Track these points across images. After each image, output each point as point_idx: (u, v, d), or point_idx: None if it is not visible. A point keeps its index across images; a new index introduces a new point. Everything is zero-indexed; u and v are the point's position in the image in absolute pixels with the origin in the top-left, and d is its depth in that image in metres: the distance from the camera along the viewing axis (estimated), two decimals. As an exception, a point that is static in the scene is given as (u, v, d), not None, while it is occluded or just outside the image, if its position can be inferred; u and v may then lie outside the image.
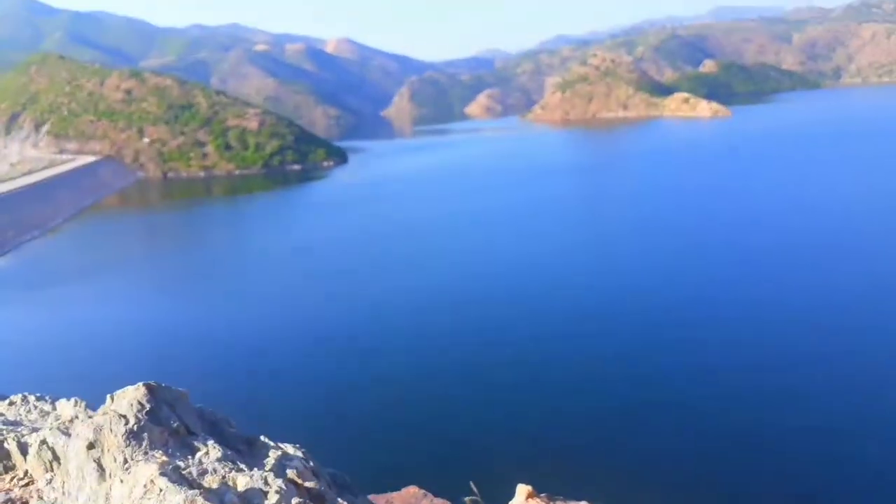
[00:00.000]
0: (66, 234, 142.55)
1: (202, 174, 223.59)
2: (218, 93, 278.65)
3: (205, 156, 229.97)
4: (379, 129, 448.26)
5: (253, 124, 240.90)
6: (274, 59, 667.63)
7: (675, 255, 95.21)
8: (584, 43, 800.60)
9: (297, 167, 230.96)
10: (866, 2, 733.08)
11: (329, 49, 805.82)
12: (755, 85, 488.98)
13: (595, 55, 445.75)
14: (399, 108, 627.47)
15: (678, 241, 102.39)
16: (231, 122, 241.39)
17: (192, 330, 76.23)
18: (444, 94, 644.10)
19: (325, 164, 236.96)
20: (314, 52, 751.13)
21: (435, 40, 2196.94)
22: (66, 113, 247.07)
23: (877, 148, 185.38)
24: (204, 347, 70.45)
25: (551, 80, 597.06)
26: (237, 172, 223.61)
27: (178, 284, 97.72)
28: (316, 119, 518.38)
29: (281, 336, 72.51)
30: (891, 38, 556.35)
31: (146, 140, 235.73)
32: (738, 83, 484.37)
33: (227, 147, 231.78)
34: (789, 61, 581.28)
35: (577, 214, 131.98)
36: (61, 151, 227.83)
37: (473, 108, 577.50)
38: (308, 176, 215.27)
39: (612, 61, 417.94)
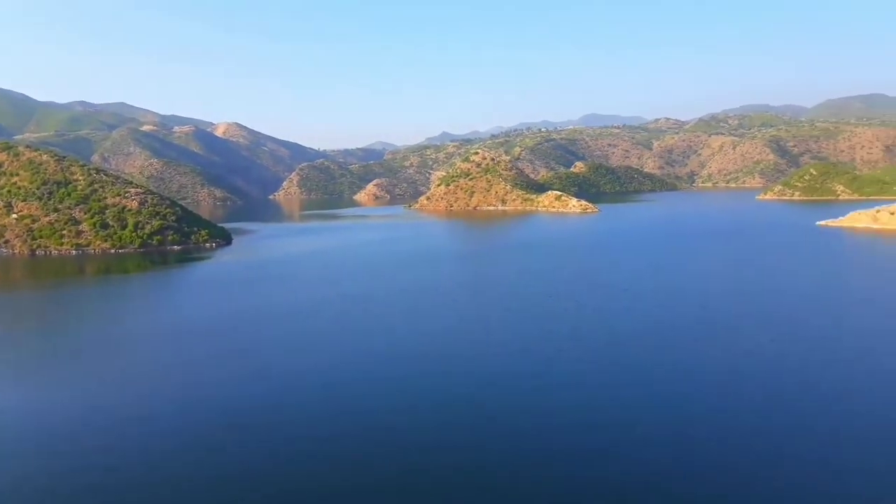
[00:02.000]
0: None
1: (74, 252, 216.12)
2: (98, 170, 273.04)
3: (79, 233, 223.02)
4: (267, 212, 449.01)
5: (133, 203, 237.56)
6: (161, 139, 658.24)
7: (542, 335, 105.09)
8: (467, 141, 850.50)
9: (177, 248, 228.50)
10: (715, 116, 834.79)
11: (219, 132, 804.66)
12: (620, 185, 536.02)
13: (477, 153, 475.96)
14: (288, 192, 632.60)
15: (548, 324, 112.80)
16: (110, 200, 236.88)
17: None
18: (333, 181, 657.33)
19: (208, 244, 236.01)
20: (203, 134, 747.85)
21: (327, 129, 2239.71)
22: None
23: (722, 244, 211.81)
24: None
25: (437, 174, 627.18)
26: (112, 251, 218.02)
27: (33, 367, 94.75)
28: (201, 200, 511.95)
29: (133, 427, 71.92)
30: (736, 149, 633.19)
31: (14, 216, 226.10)
32: (605, 183, 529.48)
33: (105, 226, 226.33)
34: (650, 165, 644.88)
35: (458, 297, 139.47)
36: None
37: (362, 196, 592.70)
38: (189, 256, 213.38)
39: (493, 159, 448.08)
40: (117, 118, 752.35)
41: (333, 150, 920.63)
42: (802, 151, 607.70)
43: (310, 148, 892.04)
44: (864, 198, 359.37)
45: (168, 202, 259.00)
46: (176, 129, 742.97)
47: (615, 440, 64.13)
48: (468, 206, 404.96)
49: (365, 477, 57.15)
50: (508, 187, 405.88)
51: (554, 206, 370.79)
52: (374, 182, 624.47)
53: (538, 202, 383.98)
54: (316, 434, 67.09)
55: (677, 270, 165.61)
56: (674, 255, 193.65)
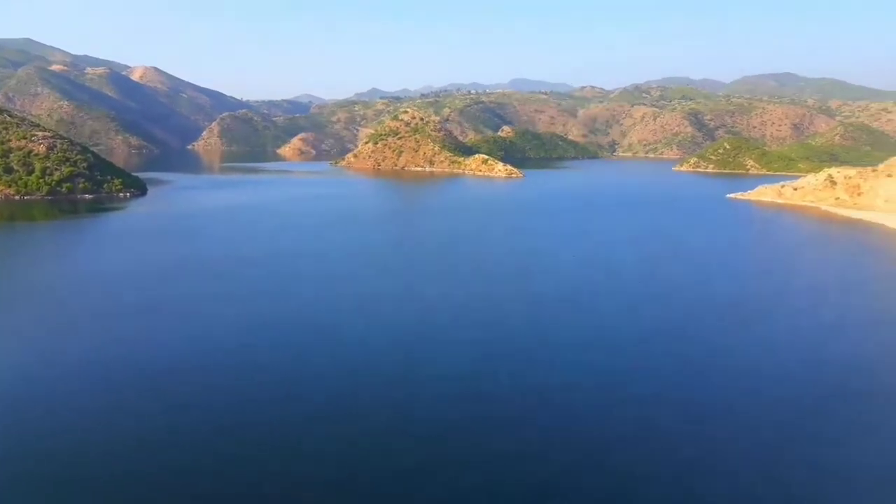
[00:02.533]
0: None
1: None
2: (1, 111, 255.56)
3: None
4: (185, 162, 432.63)
5: (41, 147, 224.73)
6: (72, 80, 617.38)
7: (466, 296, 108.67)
8: (396, 98, 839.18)
9: (89, 196, 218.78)
10: (638, 87, 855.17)
11: (135, 77, 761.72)
12: (545, 151, 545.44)
13: (406, 112, 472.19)
14: (208, 142, 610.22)
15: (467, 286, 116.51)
16: (15, 143, 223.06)
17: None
18: (257, 133, 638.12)
19: (122, 194, 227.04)
20: (118, 78, 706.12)
21: (251, 79, 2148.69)
22: None
23: (639, 213, 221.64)
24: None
25: (365, 131, 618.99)
26: (17, 198, 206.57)
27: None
28: (115, 147, 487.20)
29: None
30: (656, 120, 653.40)
31: None
32: (530, 149, 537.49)
33: (8, 170, 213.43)
34: (574, 133, 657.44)
35: (386, 259, 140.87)
36: None
37: (286, 150, 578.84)
38: (101, 206, 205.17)
39: (422, 119, 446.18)
40: (23, 55, 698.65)
41: (257, 101, 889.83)
42: (718, 125, 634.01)
43: (232, 97, 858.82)
44: (771, 173, 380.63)
45: (79, 148, 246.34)
46: (88, 70, 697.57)
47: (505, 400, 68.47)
48: (396, 165, 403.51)
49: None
50: (437, 148, 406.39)
51: (481, 170, 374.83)
52: (300, 136, 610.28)
53: (465, 165, 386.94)
54: (204, 393, 66.91)
55: (592, 236, 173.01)
56: (590, 221, 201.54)
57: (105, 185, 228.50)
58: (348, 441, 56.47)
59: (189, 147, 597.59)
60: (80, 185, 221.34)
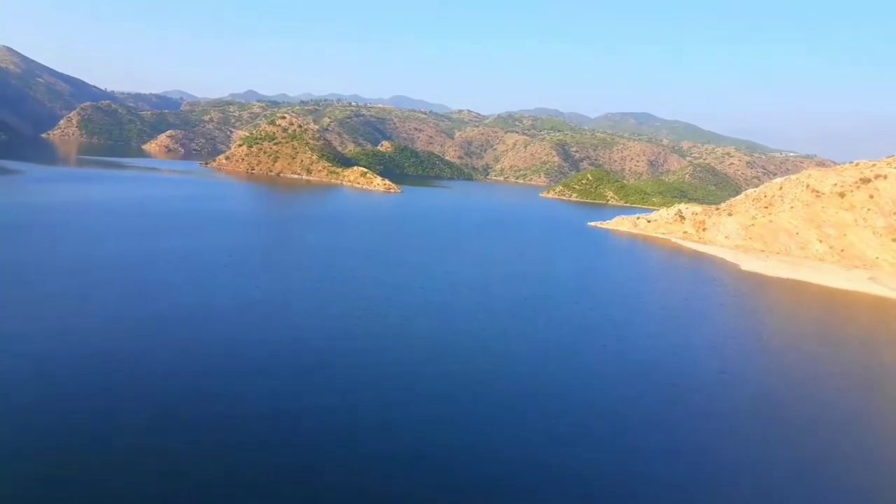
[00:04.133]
0: None
1: None
2: None
3: None
4: (38, 152, 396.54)
5: None
6: None
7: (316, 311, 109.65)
8: (274, 103, 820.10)
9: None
10: (511, 115, 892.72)
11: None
12: (423, 169, 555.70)
13: (284, 117, 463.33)
14: (66, 132, 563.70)
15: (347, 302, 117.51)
16: None
17: None
18: (121, 126, 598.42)
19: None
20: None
21: (118, 69, 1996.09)
22: None
23: (506, 234, 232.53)
24: None
25: (239, 133, 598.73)
26: None
27: None
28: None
29: None
30: (527, 148, 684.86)
31: None
32: (409, 165, 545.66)
33: None
34: (451, 154, 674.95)
35: (255, 268, 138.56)
36: None
37: (152, 147, 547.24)
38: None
39: (300, 126, 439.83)
40: None
41: (123, 93, 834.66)
42: (583, 157, 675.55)
43: (95, 87, 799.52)
44: (629, 205, 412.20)
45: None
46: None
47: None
48: (271, 171, 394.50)
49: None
50: (315, 157, 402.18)
51: (359, 183, 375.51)
52: (168, 133, 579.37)
53: (344, 176, 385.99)
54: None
55: (460, 254, 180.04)
56: (460, 239, 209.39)
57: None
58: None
59: (43, 136, 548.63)
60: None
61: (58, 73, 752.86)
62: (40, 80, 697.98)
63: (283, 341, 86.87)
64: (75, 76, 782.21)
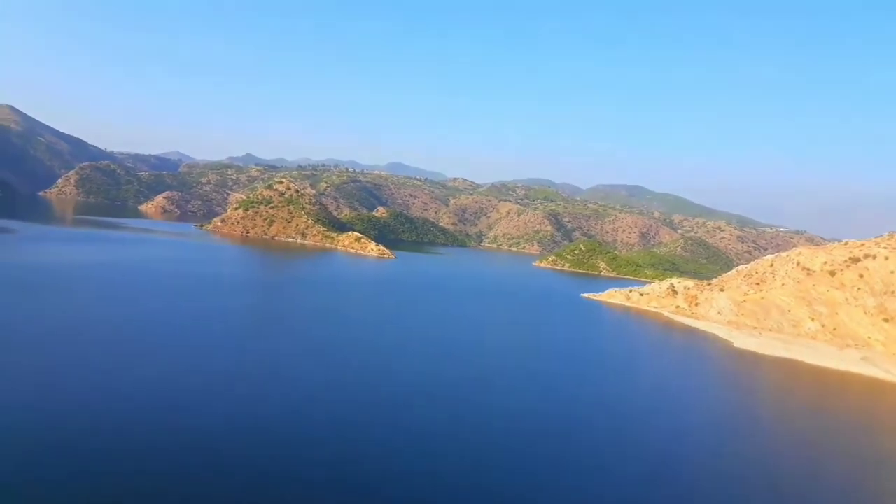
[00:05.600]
0: None
1: None
2: None
3: None
4: (35, 211, 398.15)
5: None
6: None
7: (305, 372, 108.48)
8: (272, 167, 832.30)
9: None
10: (505, 184, 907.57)
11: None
12: (417, 235, 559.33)
13: (282, 181, 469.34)
14: (63, 191, 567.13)
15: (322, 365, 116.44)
16: None
17: None
18: (118, 186, 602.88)
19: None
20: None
21: (119, 130, 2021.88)
22: None
23: (501, 303, 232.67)
24: None
25: (236, 196, 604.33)
26: None
27: None
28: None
29: None
30: (520, 216, 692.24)
31: None
32: (403, 231, 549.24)
33: None
34: (445, 220, 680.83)
35: (245, 333, 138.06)
36: None
37: (149, 207, 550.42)
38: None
39: (297, 191, 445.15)
40: None
41: (123, 153, 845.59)
42: (575, 227, 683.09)
43: (95, 147, 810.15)
44: (621, 276, 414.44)
45: None
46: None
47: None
48: (266, 234, 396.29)
49: None
50: (310, 221, 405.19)
51: (353, 248, 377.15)
52: (165, 194, 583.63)
53: (339, 241, 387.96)
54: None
55: (454, 322, 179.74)
56: (459, 307, 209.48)
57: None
58: None
59: (41, 194, 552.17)
60: None
61: (59, 132, 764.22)
62: (41, 138, 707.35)
63: (258, 419, 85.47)
64: (76, 135, 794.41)
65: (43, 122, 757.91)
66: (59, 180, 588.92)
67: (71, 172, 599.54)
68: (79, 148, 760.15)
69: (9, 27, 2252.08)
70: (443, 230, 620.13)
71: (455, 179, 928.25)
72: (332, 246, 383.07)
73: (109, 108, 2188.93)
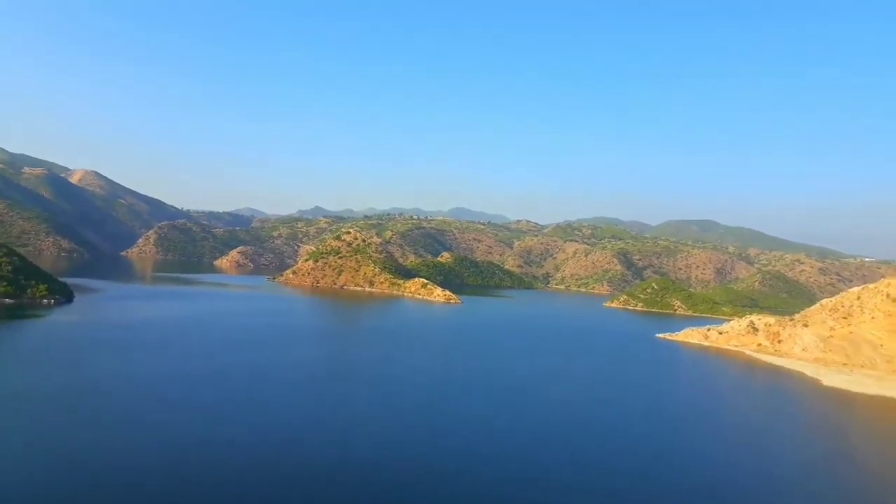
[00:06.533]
0: None
1: None
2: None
3: None
4: (117, 269, 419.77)
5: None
6: (6, 178, 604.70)
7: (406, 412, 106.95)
8: (339, 218, 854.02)
9: (9, 301, 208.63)
10: (570, 224, 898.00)
11: (74, 179, 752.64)
12: (483, 279, 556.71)
13: (349, 232, 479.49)
14: (143, 250, 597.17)
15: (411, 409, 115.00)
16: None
17: None
18: (194, 243, 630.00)
19: (46, 301, 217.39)
20: (56, 179, 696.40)
21: (194, 189, 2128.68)
22: None
23: (574, 347, 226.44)
24: None
25: (306, 248, 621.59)
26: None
27: None
28: (45, 249, 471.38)
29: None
30: (588, 256, 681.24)
31: None
32: (468, 275, 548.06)
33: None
34: (510, 263, 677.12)
35: (321, 386, 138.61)
36: None
37: (224, 262, 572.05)
38: (20, 313, 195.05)
39: (364, 240, 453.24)
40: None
41: (198, 212, 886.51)
42: (646, 265, 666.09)
43: (172, 206, 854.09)
44: (697, 314, 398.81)
45: (4, 249, 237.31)
46: (26, 170, 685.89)
47: None
48: (335, 284, 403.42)
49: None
50: (377, 270, 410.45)
51: (420, 294, 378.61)
52: (239, 249, 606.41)
53: (405, 287, 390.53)
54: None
55: (526, 370, 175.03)
56: (526, 351, 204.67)
57: (28, 291, 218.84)
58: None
59: (122, 253, 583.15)
60: (1, 289, 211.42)
61: (139, 194, 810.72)
62: (122, 201, 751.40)
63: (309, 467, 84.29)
64: (155, 197, 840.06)
65: (124, 184, 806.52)
66: (140, 240, 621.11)
67: (150, 232, 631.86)
68: (157, 208, 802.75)
69: (99, 96, 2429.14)
70: (508, 273, 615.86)
71: (518, 221, 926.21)
72: (399, 293, 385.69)
73: (186, 168, 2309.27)
